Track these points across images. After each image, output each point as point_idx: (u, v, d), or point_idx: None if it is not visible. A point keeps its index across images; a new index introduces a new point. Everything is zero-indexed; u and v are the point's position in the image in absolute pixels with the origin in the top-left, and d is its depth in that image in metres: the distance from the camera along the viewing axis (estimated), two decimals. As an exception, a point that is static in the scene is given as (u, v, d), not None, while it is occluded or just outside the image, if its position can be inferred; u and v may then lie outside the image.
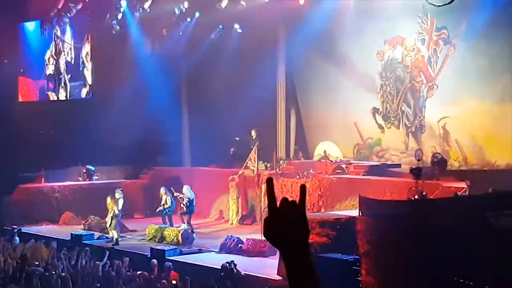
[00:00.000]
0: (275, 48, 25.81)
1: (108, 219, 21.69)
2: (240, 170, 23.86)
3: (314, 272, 3.41)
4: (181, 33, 27.42)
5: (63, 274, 15.92)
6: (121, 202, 21.72)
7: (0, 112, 27.46)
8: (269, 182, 3.55)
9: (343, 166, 22.54)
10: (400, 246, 13.98)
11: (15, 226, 23.26)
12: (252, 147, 23.05)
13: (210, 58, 26.29)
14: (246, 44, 25.45)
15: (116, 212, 21.51)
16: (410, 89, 23.42)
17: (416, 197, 16.72)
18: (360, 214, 15.67)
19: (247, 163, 23.06)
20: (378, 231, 14.66)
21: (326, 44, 25.17)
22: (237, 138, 25.44)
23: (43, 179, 26.78)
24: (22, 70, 30.57)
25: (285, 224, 3.43)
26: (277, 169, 23.86)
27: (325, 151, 24.24)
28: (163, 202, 22.65)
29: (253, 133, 24.81)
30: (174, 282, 15.91)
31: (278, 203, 3.46)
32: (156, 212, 23.20)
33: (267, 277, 16.41)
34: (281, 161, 24.69)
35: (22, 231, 22.82)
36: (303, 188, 3.55)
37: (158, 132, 26.71)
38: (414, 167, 17.70)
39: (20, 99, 30.22)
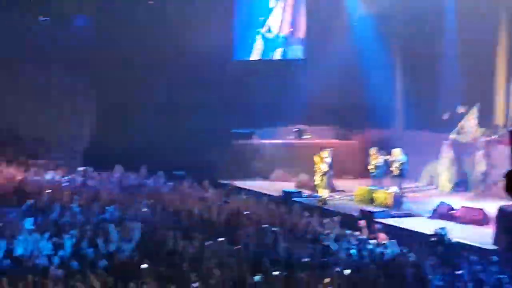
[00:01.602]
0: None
1: (317, 178, 21.85)
2: (454, 136, 23.04)
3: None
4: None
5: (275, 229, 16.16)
6: (330, 161, 21.78)
7: (215, 71, 28.35)
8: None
9: None
10: None
11: (228, 182, 24.07)
12: (466, 113, 22.12)
13: (431, 19, 25.37)
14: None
15: (326, 171, 21.62)
16: None
17: None
18: None
19: (462, 128, 22.19)
20: None
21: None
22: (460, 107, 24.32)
23: (256, 136, 27.48)
24: (233, 30, 30.98)
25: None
26: (496, 135, 22.71)
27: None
28: (374, 163, 22.42)
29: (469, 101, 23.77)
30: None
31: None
32: (366, 174, 23.04)
33: (482, 246, 15.74)
34: (500, 128, 23.49)
35: (236, 186, 23.52)
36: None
37: (370, 94, 26.41)
38: None
39: (234, 58, 30.97)
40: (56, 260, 12.74)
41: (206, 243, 14.17)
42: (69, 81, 28.20)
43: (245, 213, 17.21)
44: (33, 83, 28.12)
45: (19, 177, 22.22)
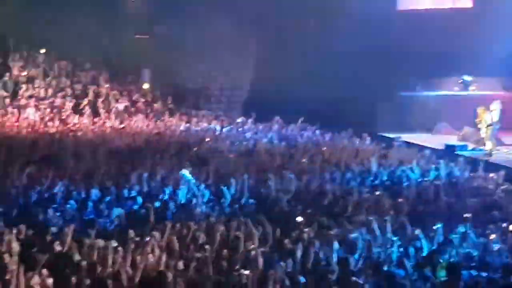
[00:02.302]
0: None
1: (482, 131, 20.89)
2: None
3: None
4: None
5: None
6: (497, 114, 20.70)
7: (378, 20, 27.52)
8: None
9: None
10: None
11: (389, 135, 23.46)
12: None
13: None
14: None
15: (492, 123, 20.58)
16: None
17: None
18: None
19: None
20: None
21: None
22: None
23: (419, 88, 26.68)
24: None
25: None
26: None
27: None
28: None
29: None
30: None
31: None
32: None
33: None
34: None
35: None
36: None
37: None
38: None
39: (399, 8, 29.95)
40: (215, 207, 12.93)
41: (364, 195, 14.03)
42: (231, 33, 28.40)
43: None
44: (197, 34, 28.54)
45: (181, 128, 22.77)
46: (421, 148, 20.66)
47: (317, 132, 22.40)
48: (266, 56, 28.19)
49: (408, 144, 21.61)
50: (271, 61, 27.56)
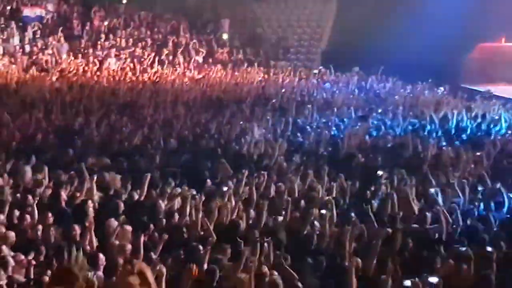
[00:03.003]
0: None
1: None
2: None
3: None
4: None
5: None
6: None
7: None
8: None
9: None
10: None
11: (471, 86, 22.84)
12: None
13: None
14: None
15: None
16: None
17: None
18: None
19: None
20: None
21: None
22: None
23: (504, 39, 25.79)
24: None
25: None
26: None
27: None
28: None
29: None
30: None
31: None
32: None
33: None
34: None
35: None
36: None
37: None
38: None
39: None
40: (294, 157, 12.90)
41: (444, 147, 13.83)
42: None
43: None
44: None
45: (259, 78, 22.70)
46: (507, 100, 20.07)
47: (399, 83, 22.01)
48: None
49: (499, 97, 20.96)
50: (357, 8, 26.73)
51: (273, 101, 18.36)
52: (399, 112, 17.27)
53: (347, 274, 7.58)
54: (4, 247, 7.69)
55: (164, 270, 6.83)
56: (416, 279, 7.08)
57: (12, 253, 7.58)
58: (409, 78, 22.13)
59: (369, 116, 16.73)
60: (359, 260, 7.90)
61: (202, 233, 8.65)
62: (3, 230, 8.25)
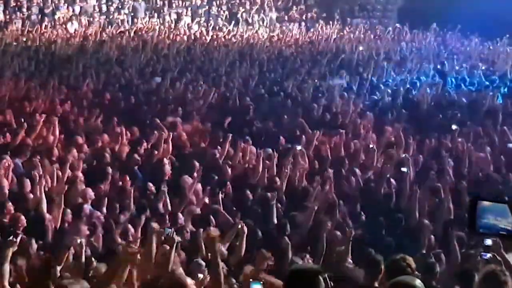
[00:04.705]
0: None
1: None
2: None
3: None
4: None
5: None
6: None
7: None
8: None
9: None
10: None
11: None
12: None
13: None
14: None
15: None
16: None
17: None
18: None
19: None
20: None
21: None
22: None
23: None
24: None
25: None
26: None
27: None
28: None
29: None
30: None
31: None
32: None
33: None
34: None
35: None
36: None
37: None
38: None
39: None
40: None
41: None
42: None
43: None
44: None
45: (334, 36, 22.38)
46: None
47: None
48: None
49: None
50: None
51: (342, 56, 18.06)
52: (478, 69, 16.88)
53: (421, 233, 7.53)
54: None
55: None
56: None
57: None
58: (487, 34, 21.42)
59: (447, 73, 16.39)
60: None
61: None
62: (83, 186, 8.44)
